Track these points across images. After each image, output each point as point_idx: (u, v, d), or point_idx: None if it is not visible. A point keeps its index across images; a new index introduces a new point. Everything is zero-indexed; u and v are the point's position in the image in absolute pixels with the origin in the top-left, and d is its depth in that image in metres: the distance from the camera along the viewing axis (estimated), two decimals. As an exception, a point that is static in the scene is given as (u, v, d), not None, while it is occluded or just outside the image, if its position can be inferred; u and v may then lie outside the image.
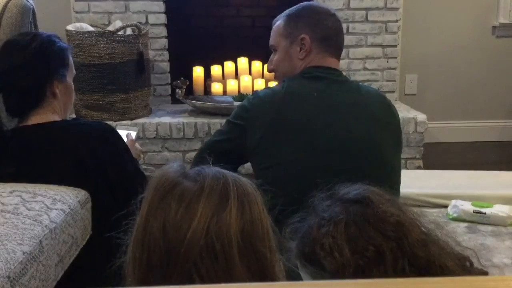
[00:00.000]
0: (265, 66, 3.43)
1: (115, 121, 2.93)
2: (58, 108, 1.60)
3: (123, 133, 1.90)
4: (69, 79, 1.65)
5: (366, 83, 2.49)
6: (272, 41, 1.63)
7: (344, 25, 3.35)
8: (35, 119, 1.56)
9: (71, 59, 1.66)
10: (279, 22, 1.61)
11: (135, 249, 0.80)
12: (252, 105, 1.53)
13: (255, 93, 1.60)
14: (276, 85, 1.64)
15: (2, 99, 1.59)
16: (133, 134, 1.93)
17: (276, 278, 0.80)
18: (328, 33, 1.57)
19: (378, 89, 2.55)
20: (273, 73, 1.70)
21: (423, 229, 0.90)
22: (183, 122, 3.10)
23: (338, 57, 1.60)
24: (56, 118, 1.59)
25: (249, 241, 0.77)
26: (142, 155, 1.99)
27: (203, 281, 0.74)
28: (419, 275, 0.83)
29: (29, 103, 1.57)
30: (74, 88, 1.68)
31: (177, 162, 0.86)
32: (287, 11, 1.61)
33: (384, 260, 0.85)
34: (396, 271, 0.83)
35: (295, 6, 1.61)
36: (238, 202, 0.78)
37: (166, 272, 0.75)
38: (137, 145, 1.88)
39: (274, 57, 1.63)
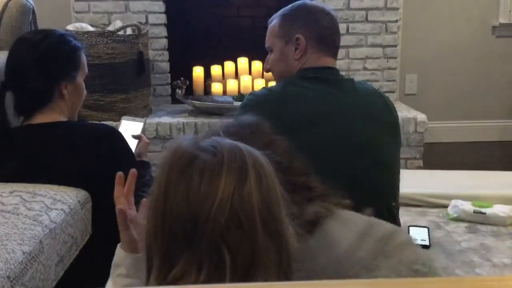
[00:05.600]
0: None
1: (115, 121, 2.93)
2: (65, 108, 1.59)
3: (128, 124, 1.87)
4: (80, 79, 1.63)
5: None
6: (267, 42, 1.62)
7: (344, 25, 3.40)
8: (40, 118, 1.54)
9: (83, 58, 1.64)
10: (274, 22, 1.60)
11: (154, 221, 0.81)
12: (248, 105, 1.52)
13: (252, 93, 1.59)
14: (274, 85, 1.63)
15: (12, 97, 1.56)
16: (139, 126, 1.87)
17: (290, 243, 0.82)
18: (324, 32, 1.55)
19: (378, 89, 2.54)
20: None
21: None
22: (183, 122, 3.10)
23: (334, 55, 1.59)
24: (62, 118, 1.57)
25: (268, 209, 0.80)
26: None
27: (230, 251, 0.76)
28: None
29: (36, 103, 1.55)
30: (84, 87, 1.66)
31: (189, 135, 0.87)
32: (281, 11, 1.60)
33: None
34: None
35: (289, 6, 1.60)
36: (256, 173, 0.80)
37: (191, 240, 0.77)
38: (144, 138, 1.83)
39: (270, 57, 1.62)
